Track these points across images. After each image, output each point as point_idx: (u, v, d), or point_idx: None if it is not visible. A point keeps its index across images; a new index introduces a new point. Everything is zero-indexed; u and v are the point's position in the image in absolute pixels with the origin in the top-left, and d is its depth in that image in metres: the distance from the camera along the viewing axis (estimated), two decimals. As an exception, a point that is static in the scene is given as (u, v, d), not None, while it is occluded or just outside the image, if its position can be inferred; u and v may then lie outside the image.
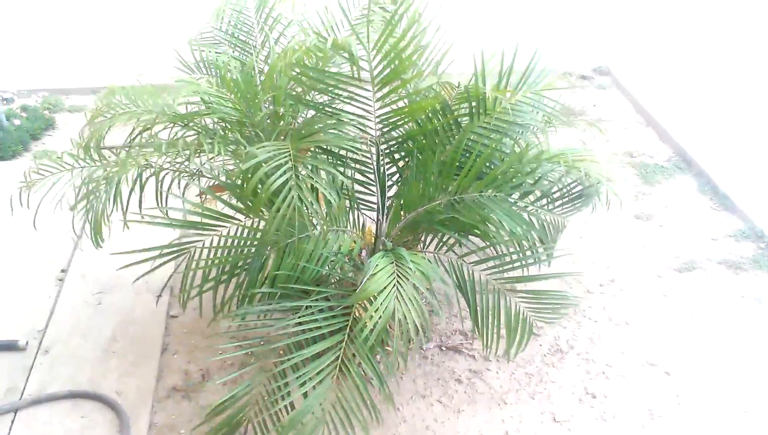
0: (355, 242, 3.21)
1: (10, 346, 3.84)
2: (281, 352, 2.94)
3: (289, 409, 2.91)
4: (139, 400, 3.55)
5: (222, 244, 3.22)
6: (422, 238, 3.63)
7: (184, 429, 3.43)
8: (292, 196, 2.80)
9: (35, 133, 6.19)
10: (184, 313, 4.10)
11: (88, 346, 3.89)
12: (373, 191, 3.53)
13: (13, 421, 3.42)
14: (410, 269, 2.80)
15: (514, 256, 3.37)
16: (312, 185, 2.89)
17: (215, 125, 3.44)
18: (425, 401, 3.62)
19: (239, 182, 3.15)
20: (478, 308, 3.29)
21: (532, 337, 3.42)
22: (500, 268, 3.33)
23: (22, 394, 3.58)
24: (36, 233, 3.89)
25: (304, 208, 2.83)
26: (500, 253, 3.42)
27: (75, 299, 4.23)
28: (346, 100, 3.31)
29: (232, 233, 3.24)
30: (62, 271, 4.49)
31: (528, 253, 3.43)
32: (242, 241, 3.23)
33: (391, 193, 3.54)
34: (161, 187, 3.63)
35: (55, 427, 3.40)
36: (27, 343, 3.88)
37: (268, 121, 3.48)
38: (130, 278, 4.27)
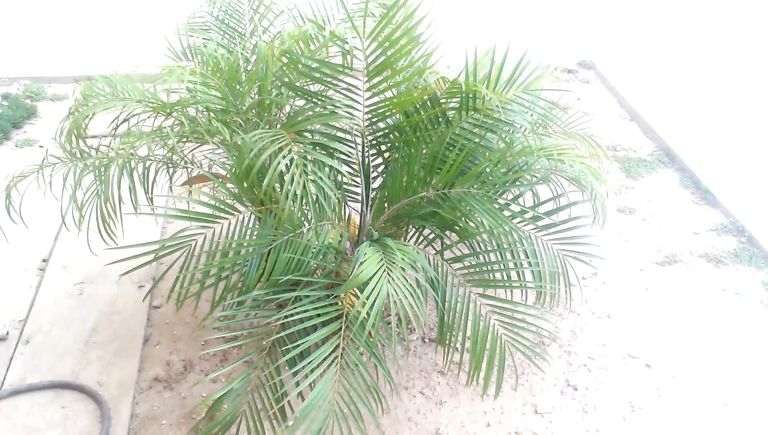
0: (342, 236, 3.21)
1: (-10, 336, 3.80)
2: (277, 344, 2.93)
3: (291, 402, 2.87)
4: (120, 391, 3.53)
5: (225, 236, 3.18)
6: (405, 230, 3.62)
7: (166, 419, 3.42)
8: (300, 181, 2.80)
9: (17, 121, 6.11)
10: (167, 303, 4.08)
11: (70, 336, 3.86)
12: (357, 183, 3.53)
13: (-8, 412, 3.40)
14: (397, 257, 2.82)
15: (493, 259, 3.31)
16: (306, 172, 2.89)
17: (199, 114, 3.40)
18: (407, 393, 3.63)
19: (236, 171, 3.11)
20: (446, 308, 3.16)
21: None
22: (477, 269, 3.27)
23: (2, 384, 3.55)
24: (16, 222, 3.84)
25: (312, 193, 2.83)
26: (478, 250, 3.37)
27: (56, 289, 4.19)
28: (337, 89, 3.28)
29: (232, 228, 3.20)
30: (43, 260, 4.45)
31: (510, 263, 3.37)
32: (246, 236, 3.18)
33: (375, 184, 3.54)
34: (147, 177, 3.59)
35: (36, 417, 3.38)
36: (8, 333, 3.84)
37: (255, 111, 3.45)
38: (112, 269, 4.25)
